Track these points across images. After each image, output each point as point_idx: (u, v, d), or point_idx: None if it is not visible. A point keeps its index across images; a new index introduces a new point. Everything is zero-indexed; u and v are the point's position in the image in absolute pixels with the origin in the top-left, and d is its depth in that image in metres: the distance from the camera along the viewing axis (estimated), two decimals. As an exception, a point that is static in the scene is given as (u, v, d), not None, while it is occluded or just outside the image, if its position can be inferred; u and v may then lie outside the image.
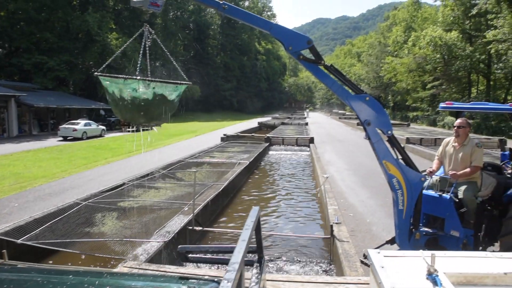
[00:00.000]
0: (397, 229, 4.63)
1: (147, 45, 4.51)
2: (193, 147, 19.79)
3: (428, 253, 1.87)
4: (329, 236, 6.54)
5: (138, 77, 4.20)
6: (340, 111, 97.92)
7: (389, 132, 4.39)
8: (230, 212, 9.75)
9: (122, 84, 4.23)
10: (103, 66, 4.83)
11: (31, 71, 36.43)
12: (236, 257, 1.39)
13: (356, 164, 15.57)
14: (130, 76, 4.27)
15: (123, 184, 10.28)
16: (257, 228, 1.92)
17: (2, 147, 20.45)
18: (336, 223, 6.64)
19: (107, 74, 4.51)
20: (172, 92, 4.46)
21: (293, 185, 12.82)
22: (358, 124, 41.96)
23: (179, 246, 1.97)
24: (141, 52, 4.51)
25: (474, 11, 37.46)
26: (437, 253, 1.92)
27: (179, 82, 4.55)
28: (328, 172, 13.01)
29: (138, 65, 4.42)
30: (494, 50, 34.56)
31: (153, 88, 4.24)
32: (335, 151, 20.22)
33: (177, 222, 6.89)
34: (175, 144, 22.78)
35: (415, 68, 49.04)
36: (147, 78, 4.25)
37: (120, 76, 4.33)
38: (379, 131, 4.46)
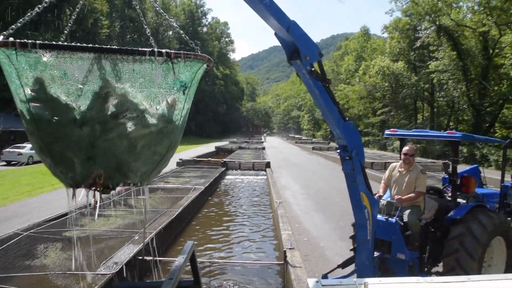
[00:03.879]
0: (366, 260, 4.35)
1: None
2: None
3: (361, 280, 1.92)
4: (282, 262, 6.52)
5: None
6: (296, 136, 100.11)
7: (363, 161, 4.08)
8: (185, 239, 9.49)
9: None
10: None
11: (-28, 92, 34.29)
12: None
13: (311, 188, 15.83)
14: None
15: (70, 212, 9.74)
16: (193, 262, 1.88)
17: None
18: (290, 248, 6.63)
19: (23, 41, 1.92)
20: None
21: (248, 210, 12.75)
22: (313, 149, 42.97)
23: (114, 283, 1.88)
24: None
25: (417, 44, 40.66)
26: (370, 280, 1.97)
27: (199, 54, 2.26)
28: (284, 196, 13.12)
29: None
30: (436, 80, 37.35)
31: (174, 73, 2.01)
32: (291, 175, 20.49)
33: (126, 252, 6.57)
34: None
35: (365, 95, 51.63)
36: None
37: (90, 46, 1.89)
38: None
